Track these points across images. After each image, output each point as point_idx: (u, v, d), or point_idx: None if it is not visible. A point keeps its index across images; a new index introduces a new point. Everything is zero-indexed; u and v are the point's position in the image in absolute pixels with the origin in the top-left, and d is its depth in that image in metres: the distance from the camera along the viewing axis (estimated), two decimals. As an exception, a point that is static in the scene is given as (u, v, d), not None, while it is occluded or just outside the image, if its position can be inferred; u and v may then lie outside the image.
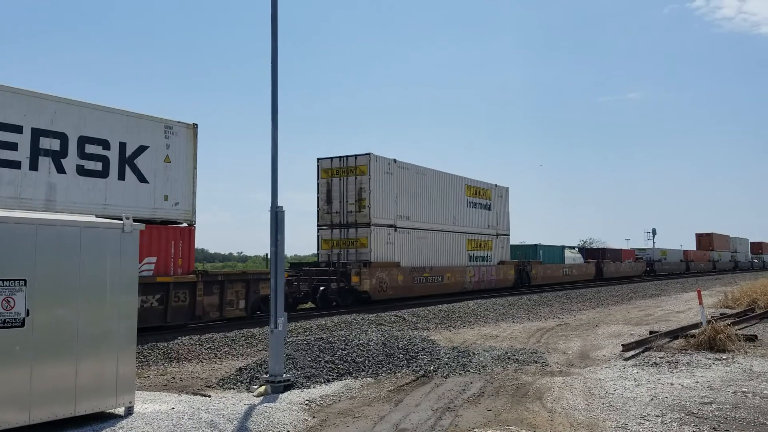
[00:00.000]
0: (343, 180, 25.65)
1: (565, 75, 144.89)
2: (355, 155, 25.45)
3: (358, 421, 8.36)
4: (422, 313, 22.17)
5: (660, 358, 12.76)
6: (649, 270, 61.91)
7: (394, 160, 26.69)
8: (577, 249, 49.41)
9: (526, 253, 40.98)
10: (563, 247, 45.55)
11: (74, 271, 7.55)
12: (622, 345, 14.09)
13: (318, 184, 26.43)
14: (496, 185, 36.09)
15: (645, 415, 8.40)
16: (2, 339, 6.86)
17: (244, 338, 15.63)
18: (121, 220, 8.11)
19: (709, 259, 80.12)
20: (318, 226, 26.39)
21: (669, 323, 19.41)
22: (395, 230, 26.32)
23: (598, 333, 17.84)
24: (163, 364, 13.04)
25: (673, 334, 15.47)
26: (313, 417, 8.52)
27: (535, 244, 42.10)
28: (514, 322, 21.45)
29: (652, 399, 9.31)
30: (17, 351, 6.97)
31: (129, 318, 8.12)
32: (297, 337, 14.56)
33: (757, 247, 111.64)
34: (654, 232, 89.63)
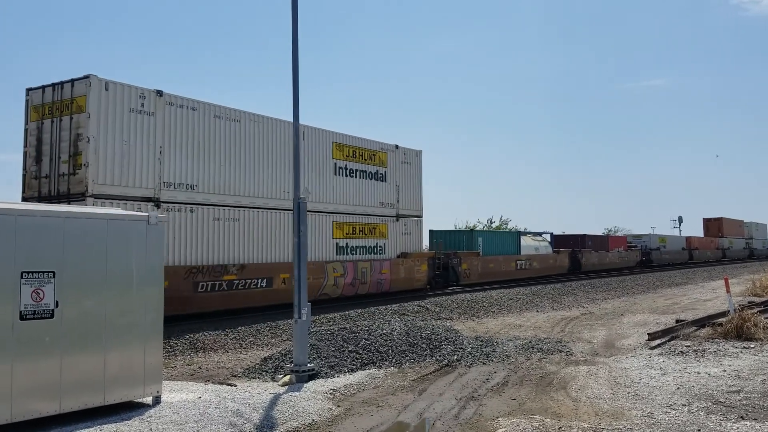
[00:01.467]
0: (56, 123, 15.51)
1: (585, 62, 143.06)
2: (72, 80, 15.38)
3: (382, 410, 8.41)
4: (445, 302, 22.16)
5: (686, 346, 12.63)
6: (646, 260, 52.65)
7: (158, 92, 16.42)
8: (544, 236, 40.42)
9: (454, 241, 31.62)
10: (518, 233, 36.64)
11: (101, 263, 7.67)
12: (648, 334, 13.97)
13: (26, 130, 16.11)
14: (397, 147, 25.26)
15: (671, 404, 8.33)
16: (32, 330, 7.00)
17: (268, 328, 15.77)
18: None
19: (718, 246, 70.41)
20: (23, 197, 15.95)
21: (695, 312, 19.18)
22: (158, 206, 16.00)
23: (623, 322, 17.70)
24: (189, 354, 13.21)
25: (700, 323, 15.29)
26: (338, 406, 8.58)
27: (472, 229, 34.68)
28: (537, 311, 21.36)
29: (678, 388, 9.23)
30: (47, 342, 7.11)
31: (155, 309, 8.23)
32: (320, 327, 14.64)
33: None
34: (680, 220, 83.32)
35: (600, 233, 55.54)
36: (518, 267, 34.31)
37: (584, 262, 41.58)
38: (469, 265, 29.65)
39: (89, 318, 7.52)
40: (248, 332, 15.22)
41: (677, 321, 15.99)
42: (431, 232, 31.40)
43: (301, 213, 10.60)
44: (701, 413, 7.88)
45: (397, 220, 24.90)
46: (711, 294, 26.69)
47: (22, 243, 7.00)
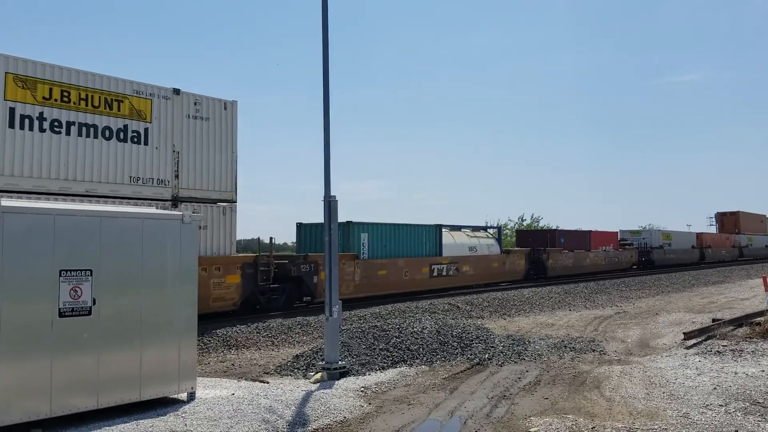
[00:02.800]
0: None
1: (615, 59, 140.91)
2: None
3: (414, 408, 8.41)
4: (476, 301, 22.07)
5: (723, 346, 12.38)
6: (645, 261, 45.81)
7: None
8: (490, 231, 31.89)
9: (305, 239, 23.17)
10: (438, 227, 26.34)
11: (137, 262, 7.81)
12: (684, 333, 13.73)
13: None
14: (177, 91, 16.40)
15: (707, 404, 8.18)
16: (71, 327, 7.16)
17: (299, 326, 15.88)
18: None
19: (734, 244, 61.87)
20: None
21: (733, 311, 18.79)
22: None
23: (658, 321, 17.43)
24: (222, 351, 13.37)
25: (737, 322, 14.98)
26: (369, 403, 8.61)
27: (349, 222, 22.12)
28: (570, 310, 21.15)
29: (715, 388, 9.06)
30: (85, 338, 7.27)
31: (189, 306, 8.35)
32: (352, 324, 14.70)
33: None
34: (716, 217, 72.02)
35: (584, 228, 45.27)
36: (436, 274, 25.28)
37: (552, 265, 33.85)
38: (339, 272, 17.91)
39: (125, 315, 7.66)
40: (280, 330, 15.35)
41: (714, 320, 15.69)
42: (299, 225, 23.63)
43: (332, 212, 10.67)
44: (739, 414, 7.73)
45: (175, 206, 15.73)
46: (749, 293, 26.13)
47: (61, 242, 7.16)
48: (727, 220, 67.31)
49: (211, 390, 8.97)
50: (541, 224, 58.09)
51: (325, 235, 10.71)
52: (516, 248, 33.42)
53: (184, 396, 8.32)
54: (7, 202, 6.94)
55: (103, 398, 7.40)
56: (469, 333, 12.97)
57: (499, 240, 31.06)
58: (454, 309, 20.25)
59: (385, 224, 23.70)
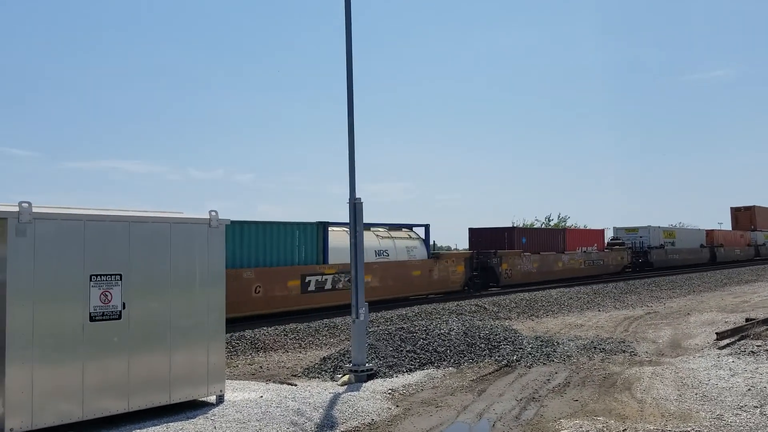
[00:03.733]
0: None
1: (644, 54, 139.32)
2: None
3: (441, 410, 8.38)
4: (503, 302, 21.93)
5: (758, 346, 12.12)
6: (643, 262, 40.62)
7: None
8: (412, 230, 24.49)
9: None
10: (322, 225, 19.91)
11: (165, 266, 7.89)
12: (716, 333, 13.49)
13: None
14: None
15: (742, 406, 8.01)
16: (101, 331, 7.26)
17: (326, 328, 15.93)
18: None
19: (749, 242, 55.98)
20: None
21: (766, 310, 18.41)
22: None
23: (689, 321, 17.14)
24: (250, 353, 13.46)
25: (772, 322, 14.67)
26: (397, 406, 8.59)
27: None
28: (599, 310, 20.90)
29: (749, 389, 8.87)
30: (115, 342, 7.36)
31: (217, 309, 8.42)
32: (378, 327, 14.70)
33: None
34: (731, 213, 65.46)
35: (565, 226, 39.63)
36: (314, 288, 19.10)
37: (506, 272, 28.00)
38: None
39: (155, 319, 7.75)
40: (307, 332, 15.41)
41: (747, 320, 15.39)
42: None
43: (357, 214, 10.68)
44: (775, 416, 7.55)
45: None
46: (783, 291, 25.59)
47: (91, 247, 7.26)
48: (742, 216, 60.85)
49: (239, 393, 9.02)
50: (568, 224, 57.22)
51: (351, 237, 10.73)
52: (452, 251, 27.35)
53: (212, 399, 8.38)
54: (39, 208, 7.05)
55: (133, 401, 7.49)
56: (496, 334, 12.88)
57: (426, 241, 24.32)
58: (481, 310, 20.15)
59: (251, 222, 17.92)
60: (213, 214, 8.41)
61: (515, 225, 31.08)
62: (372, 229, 22.51)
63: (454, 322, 13.47)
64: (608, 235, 42.32)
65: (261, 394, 8.88)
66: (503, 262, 27.93)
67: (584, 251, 35.08)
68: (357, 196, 10.85)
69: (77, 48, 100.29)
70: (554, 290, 26.25)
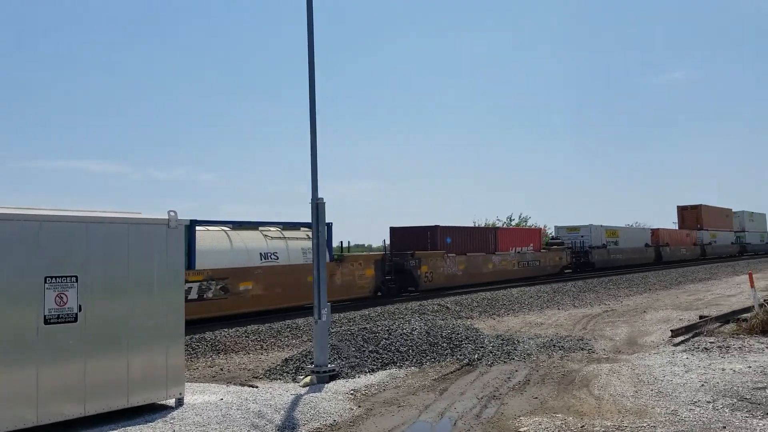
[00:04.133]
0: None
1: (605, 56, 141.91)
2: None
3: (404, 409, 8.41)
4: (465, 301, 22.12)
5: (711, 343, 12.47)
6: (584, 263, 39.16)
7: None
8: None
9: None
10: (190, 223, 16.97)
11: (123, 267, 7.75)
12: (671, 330, 13.82)
13: None
14: None
15: (696, 401, 8.23)
16: (57, 334, 7.10)
17: (288, 329, 15.85)
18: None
19: (695, 241, 56.02)
20: None
21: (719, 308, 18.93)
22: None
23: (645, 319, 17.53)
24: (211, 356, 13.31)
25: (724, 319, 15.11)
26: (359, 406, 8.60)
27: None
28: (559, 309, 21.22)
29: (702, 385, 9.12)
30: (71, 345, 7.21)
31: (177, 311, 8.31)
32: (341, 327, 14.68)
33: None
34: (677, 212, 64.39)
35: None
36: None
37: (427, 275, 25.60)
38: None
39: (112, 321, 7.61)
40: (269, 333, 15.31)
41: (701, 317, 15.81)
42: None
43: (319, 214, 10.66)
44: (726, 410, 7.78)
45: None
46: (735, 289, 26.34)
47: (47, 248, 7.10)
48: (689, 215, 60.32)
49: (199, 395, 8.92)
50: (529, 224, 57.81)
51: (313, 238, 10.70)
52: (359, 254, 24.18)
53: (172, 402, 8.27)
54: (-9, 208, 6.87)
55: (90, 405, 7.34)
56: (458, 333, 12.99)
57: (328, 243, 21.26)
58: (444, 309, 20.28)
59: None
60: (172, 214, 8.30)
61: (436, 225, 27.27)
62: (261, 228, 20.14)
63: (417, 322, 13.53)
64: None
65: (221, 397, 8.79)
66: (423, 265, 25.56)
67: (518, 252, 32.90)
68: (320, 196, 10.83)
69: (39, 46, 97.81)
70: (515, 289, 26.56)
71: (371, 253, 24.17)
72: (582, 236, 40.73)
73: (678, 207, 61.87)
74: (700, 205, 60.62)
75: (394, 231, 28.33)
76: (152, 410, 7.96)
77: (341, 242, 24.69)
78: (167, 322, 8.15)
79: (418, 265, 25.25)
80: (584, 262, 39.27)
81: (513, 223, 57.54)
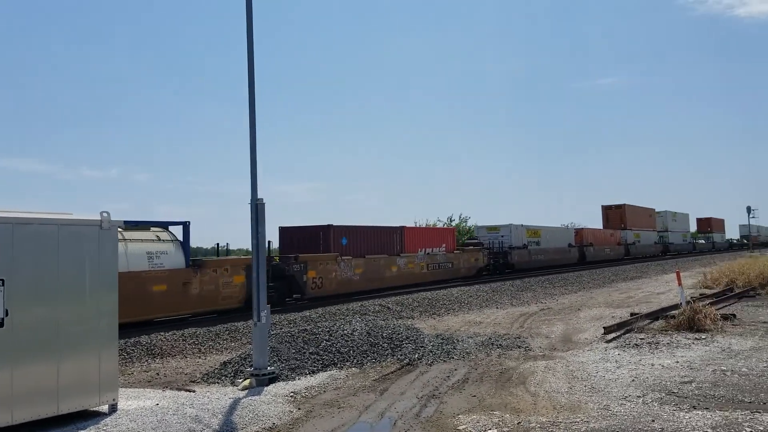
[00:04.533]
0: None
1: (540, 60, 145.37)
2: None
3: (344, 411, 8.40)
4: (407, 301, 22.25)
5: (641, 339, 12.92)
6: (503, 264, 37.26)
7: None
8: (163, 231, 18.25)
9: None
10: None
11: (53, 270, 7.47)
12: (604, 327, 14.25)
13: None
14: None
15: (626, 396, 8.52)
16: (-19, 340, 6.78)
17: (228, 332, 15.60)
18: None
19: (620, 241, 55.92)
20: None
21: (650, 305, 19.65)
22: None
23: (580, 316, 18.02)
24: (146, 360, 12.98)
25: (654, 316, 15.68)
26: (299, 408, 8.54)
27: None
28: (497, 308, 21.59)
29: (633, 380, 9.44)
30: (-3, 352, 6.90)
31: (110, 315, 8.06)
32: (281, 329, 14.54)
33: (704, 225, 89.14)
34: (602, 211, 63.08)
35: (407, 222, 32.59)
36: None
37: (315, 281, 22.75)
38: None
39: (41, 326, 7.32)
40: (207, 336, 15.03)
41: (632, 314, 16.36)
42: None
43: (259, 215, 10.52)
44: (655, 404, 8.08)
45: None
46: (664, 287, 27.38)
47: (-31, 251, 6.78)
48: (613, 215, 59.60)
49: (134, 401, 8.68)
50: (469, 224, 58.09)
51: (252, 239, 10.56)
52: (226, 258, 20.66)
53: (105, 408, 8.02)
54: None
55: (18, 413, 7.05)
56: (399, 333, 13.05)
57: (185, 245, 18.24)
58: (385, 310, 20.35)
59: None
60: (104, 215, 8.06)
61: (330, 224, 24.70)
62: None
63: (358, 323, 13.54)
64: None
65: (157, 402, 8.58)
66: (310, 269, 22.59)
67: (428, 253, 30.09)
68: (259, 196, 10.69)
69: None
70: (455, 289, 26.88)
71: (241, 257, 21.72)
72: (502, 236, 38.82)
73: (603, 206, 61.15)
74: (624, 204, 60.17)
75: (283, 231, 25.40)
76: (84, 417, 7.70)
77: (217, 244, 22.47)
78: (100, 327, 7.90)
79: (303, 270, 22.33)
80: (503, 263, 37.30)
81: (453, 223, 57.66)
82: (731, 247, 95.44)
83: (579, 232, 49.43)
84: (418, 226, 41.23)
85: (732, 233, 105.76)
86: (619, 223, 58.90)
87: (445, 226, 53.67)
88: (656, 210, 69.20)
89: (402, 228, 28.87)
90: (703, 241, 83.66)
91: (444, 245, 31.78)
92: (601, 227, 58.91)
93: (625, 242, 57.14)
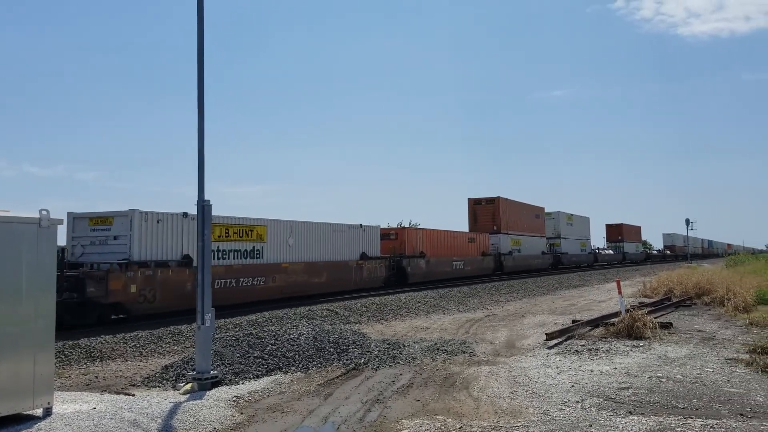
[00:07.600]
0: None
1: (495, 72, 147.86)
2: None
3: (287, 415, 8.34)
4: (355, 306, 22.23)
5: (581, 345, 13.23)
6: (401, 276, 32.69)
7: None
8: None
9: None
10: None
11: (-14, 269, 7.21)
12: (546, 334, 14.53)
13: None
14: None
15: (566, 401, 8.70)
16: None
17: (170, 335, 15.30)
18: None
19: (486, 250, 43.30)
20: None
21: (591, 312, 20.13)
22: None
23: (524, 323, 18.32)
24: (85, 363, 12.62)
25: (594, 323, 16.07)
26: (241, 413, 8.44)
27: None
28: (444, 313, 21.77)
29: (573, 385, 9.65)
30: (-76, 353, 6.62)
31: (47, 316, 7.82)
32: (226, 332, 14.35)
33: (614, 232, 76.81)
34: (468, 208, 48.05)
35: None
36: None
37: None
38: None
39: (-28, 327, 7.06)
40: (149, 339, 14.71)
41: (573, 321, 16.72)
42: None
43: (205, 217, 10.38)
44: (593, 409, 8.28)
45: None
46: (606, 295, 28.09)
47: None
48: (483, 213, 46.54)
49: (70, 404, 8.44)
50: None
51: (198, 241, 10.41)
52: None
53: (39, 412, 7.77)
54: None
55: (-56, 418, 6.77)
56: (345, 338, 13.04)
57: None
58: (333, 315, 20.28)
59: None
60: (44, 213, 7.82)
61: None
62: None
63: (305, 327, 13.47)
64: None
65: (94, 406, 8.36)
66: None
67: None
68: (206, 197, 10.54)
69: None
70: (403, 294, 26.99)
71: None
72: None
73: (469, 200, 47.31)
74: (498, 197, 46.55)
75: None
76: (17, 421, 7.45)
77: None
78: (36, 328, 7.66)
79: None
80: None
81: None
82: (648, 258, 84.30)
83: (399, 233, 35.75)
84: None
85: (656, 242, 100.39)
86: (491, 224, 45.79)
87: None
88: (546, 210, 55.08)
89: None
90: (610, 252, 71.90)
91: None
92: (467, 229, 45.09)
93: (496, 252, 44.18)
